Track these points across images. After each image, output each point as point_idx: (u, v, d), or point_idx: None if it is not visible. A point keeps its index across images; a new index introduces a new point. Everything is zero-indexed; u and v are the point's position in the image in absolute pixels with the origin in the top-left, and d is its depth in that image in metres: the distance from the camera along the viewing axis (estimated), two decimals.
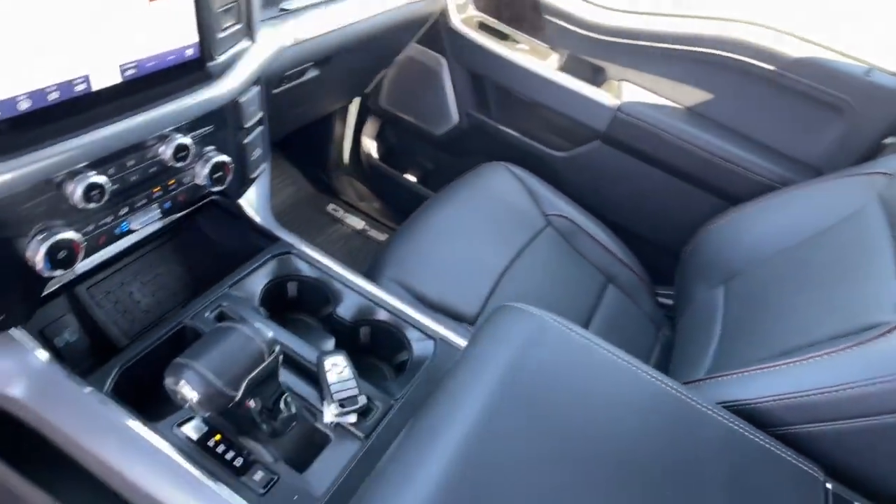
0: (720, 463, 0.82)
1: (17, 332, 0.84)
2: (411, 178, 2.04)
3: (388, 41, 1.60)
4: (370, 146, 2.05)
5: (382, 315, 1.05)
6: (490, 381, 0.81)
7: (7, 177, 0.72)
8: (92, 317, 1.01)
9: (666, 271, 1.65)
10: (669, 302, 1.64)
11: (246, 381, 0.76)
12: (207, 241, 1.16)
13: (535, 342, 0.87)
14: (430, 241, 1.34)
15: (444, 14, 1.67)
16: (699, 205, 1.62)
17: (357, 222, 2.04)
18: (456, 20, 1.68)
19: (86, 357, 1.00)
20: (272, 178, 2.00)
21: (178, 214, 1.07)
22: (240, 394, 0.76)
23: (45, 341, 0.95)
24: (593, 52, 1.67)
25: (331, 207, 2.08)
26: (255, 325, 0.80)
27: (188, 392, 0.73)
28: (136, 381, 0.87)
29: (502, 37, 1.74)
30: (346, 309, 1.06)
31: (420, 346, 1.03)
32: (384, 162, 2.04)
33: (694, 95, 1.60)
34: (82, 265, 0.95)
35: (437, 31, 1.71)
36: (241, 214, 1.14)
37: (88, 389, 0.82)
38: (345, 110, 1.97)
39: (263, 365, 0.79)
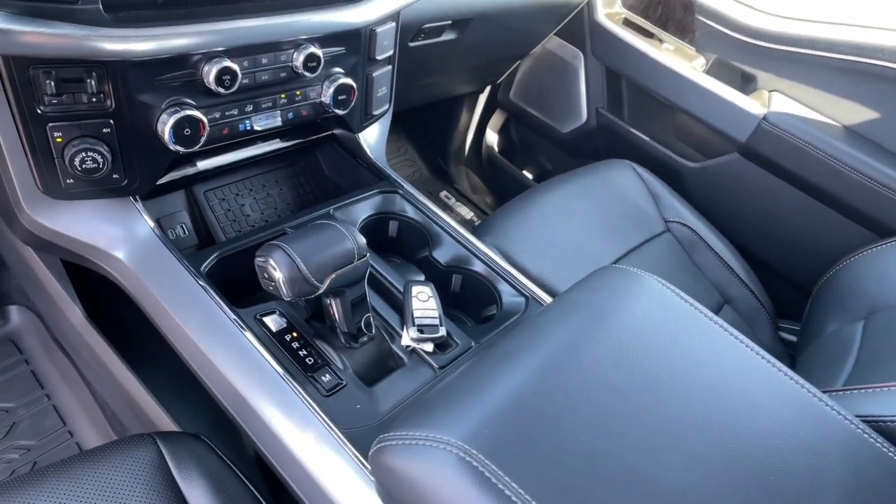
0: (846, 476, 0.68)
1: (136, 203, 0.88)
2: (528, 175, 1.99)
3: (529, 23, 1.59)
4: (492, 139, 2.04)
5: (477, 266, 1.00)
6: (579, 318, 0.73)
7: (154, 43, 0.76)
8: (203, 216, 1.05)
9: (790, 304, 1.47)
10: (791, 338, 1.46)
11: (331, 276, 0.75)
12: (321, 172, 1.19)
13: (635, 294, 0.79)
14: (538, 218, 1.29)
15: (589, 6, 1.64)
16: (842, 233, 1.43)
17: (466, 212, 2.03)
18: (601, 14, 1.64)
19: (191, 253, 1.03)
20: (392, 155, 2.06)
21: (300, 140, 1.10)
22: (323, 287, 0.75)
23: (160, 229, 1.00)
24: (745, 58, 1.56)
25: (444, 194, 2.08)
26: (352, 228, 0.79)
27: (274, 272, 0.72)
28: (230, 271, 0.89)
29: (647, 35, 1.68)
30: (441, 254, 1.02)
31: (511, 302, 0.97)
32: (504, 156, 2.02)
33: (855, 113, 1.43)
34: (204, 164, 1.00)
35: (578, 25, 1.68)
36: (357, 150, 1.15)
37: (185, 265, 0.84)
38: (473, 100, 1.98)
39: (351, 265, 0.77)
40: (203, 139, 0.85)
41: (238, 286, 0.88)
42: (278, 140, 1.09)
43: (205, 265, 0.85)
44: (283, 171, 1.16)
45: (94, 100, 0.76)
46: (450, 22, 1.29)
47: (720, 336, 0.77)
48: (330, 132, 1.16)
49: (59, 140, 0.76)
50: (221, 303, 0.81)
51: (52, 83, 0.72)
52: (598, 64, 1.70)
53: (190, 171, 0.98)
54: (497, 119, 2.02)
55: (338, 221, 0.80)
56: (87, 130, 0.78)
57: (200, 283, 0.82)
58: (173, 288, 0.83)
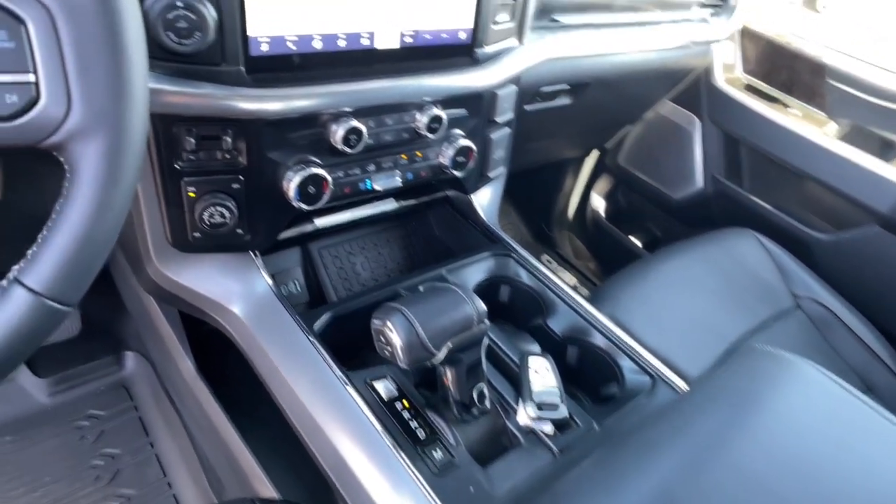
0: None
1: (256, 259, 0.89)
2: (636, 241, 1.90)
3: (644, 88, 1.55)
4: (598, 204, 1.98)
5: (597, 338, 0.93)
6: (728, 407, 0.64)
7: (289, 103, 0.78)
8: (317, 274, 1.04)
9: None
10: None
11: (449, 343, 0.70)
12: (432, 233, 1.17)
13: (790, 381, 0.68)
14: (656, 287, 1.20)
15: (707, 71, 1.58)
16: None
17: (569, 278, 1.95)
18: (720, 79, 1.58)
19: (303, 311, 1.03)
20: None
21: (414, 201, 1.09)
22: (441, 354, 0.70)
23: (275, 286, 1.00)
24: (884, 123, 1.43)
25: (545, 258, 2.02)
26: (472, 293, 0.75)
27: (392, 335, 0.69)
28: (341, 331, 0.86)
29: (770, 101, 1.59)
30: (556, 323, 0.96)
31: (634, 380, 0.88)
32: (610, 221, 1.94)
33: None
34: (321, 221, 1.00)
35: (694, 89, 1.61)
36: (469, 212, 1.13)
37: (299, 323, 0.82)
38: (578, 164, 1.94)
39: (470, 332, 0.72)
40: (326, 197, 0.85)
41: (349, 347, 0.85)
42: (393, 200, 1.08)
43: (318, 324, 0.84)
44: (395, 231, 1.16)
45: (227, 156, 0.78)
46: (567, 86, 1.27)
47: None
48: (443, 193, 1.14)
49: (192, 195, 0.78)
50: (332, 364, 0.78)
51: (193, 140, 0.75)
52: (715, 129, 1.62)
53: (308, 228, 0.99)
54: (603, 184, 1.96)
55: (458, 285, 0.76)
56: (218, 186, 0.79)
57: (312, 341, 0.80)
58: (285, 345, 0.81)
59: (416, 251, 1.16)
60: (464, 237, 1.14)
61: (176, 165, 0.76)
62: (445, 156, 0.97)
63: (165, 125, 0.74)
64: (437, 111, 0.91)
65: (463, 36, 0.94)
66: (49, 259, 0.43)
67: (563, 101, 1.32)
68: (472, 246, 1.11)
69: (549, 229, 2.05)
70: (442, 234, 1.18)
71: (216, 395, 1.03)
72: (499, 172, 1.12)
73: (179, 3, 0.67)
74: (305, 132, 0.82)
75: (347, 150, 0.84)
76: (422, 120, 0.91)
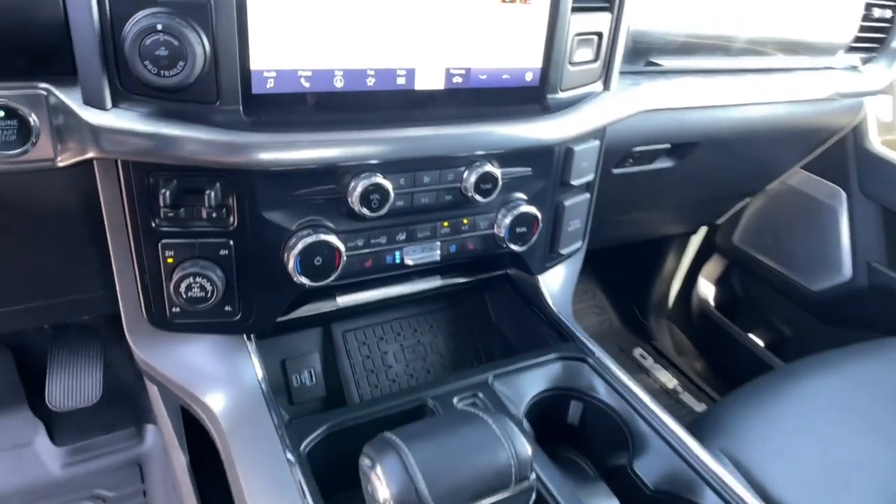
0: None
1: (248, 343, 0.71)
2: (757, 340, 1.57)
3: (770, 152, 1.27)
4: (707, 290, 1.67)
5: (709, 499, 0.65)
6: None
7: (294, 153, 0.61)
8: (337, 365, 0.85)
9: None
10: None
11: None
12: (488, 320, 0.95)
13: None
14: (795, 417, 0.89)
15: (858, 131, 1.27)
16: None
17: (668, 379, 1.63)
18: (875, 141, 1.27)
19: (313, 409, 0.84)
20: (577, 298, 1.77)
21: (464, 279, 0.89)
22: None
23: (283, 374, 0.82)
24: None
25: (638, 353, 1.72)
26: (512, 428, 0.52)
27: (379, 486, 0.47)
28: (338, 452, 0.65)
29: None
30: (648, 467, 0.69)
31: None
32: (722, 312, 1.62)
33: None
34: (345, 300, 0.82)
35: (839, 154, 1.31)
36: (535, 297, 0.90)
37: (282, 438, 0.62)
38: (683, 241, 1.66)
39: (504, 495, 0.49)
40: (337, 272, 0.67)
41: (347, 468, 0.64)
42: (438, 277, 0.88)
43: (308, 441, 0.63)
44: (441, 315, 0.95)
45: (214, 215, 0.62)
46: (668, 146, 1.03)
47: None
48: (503, 271, 0.93)
49: (169, 261, 0.62)
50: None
51: (171, 193, 0.59)
52: (869, 204, 1.29)
53: (327, 307, 0.81)
54: (714, 266, 1.66)
55: (493, 414, 0.53)
56: (202, 251, 0.63)
57: (292, 465, 0.60)
58: (257, 466, 0.61)
59: (465, 341, 0.94)
60: (527, 328, 0.91)
61: (152, 223, 0.61)
62: (501, 225, 0.77)
63: (140, 174, 0.59)
64: (490, 168, 0.71)
65: (529, 77, 0.75)
66: None
67: (664, 163, 1.08)
68: (538, 340, 0.88)
69: (644, 317, 1.75)
70: (500, 322, 0.95)
71: (202, 498, 0.84)
72: (574, 249, 0.89)
73: (159, 27, 0.53)
74: (316, 188, 0.65)
75: (367, 213, 0.65)
76: (470, 179, 0.71)
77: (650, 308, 1.74)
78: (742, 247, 1.53)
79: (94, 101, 0.55)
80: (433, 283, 0.87)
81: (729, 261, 1.62)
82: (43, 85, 0.54)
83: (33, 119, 0.55)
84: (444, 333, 0.93)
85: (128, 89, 0.56)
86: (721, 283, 1.65)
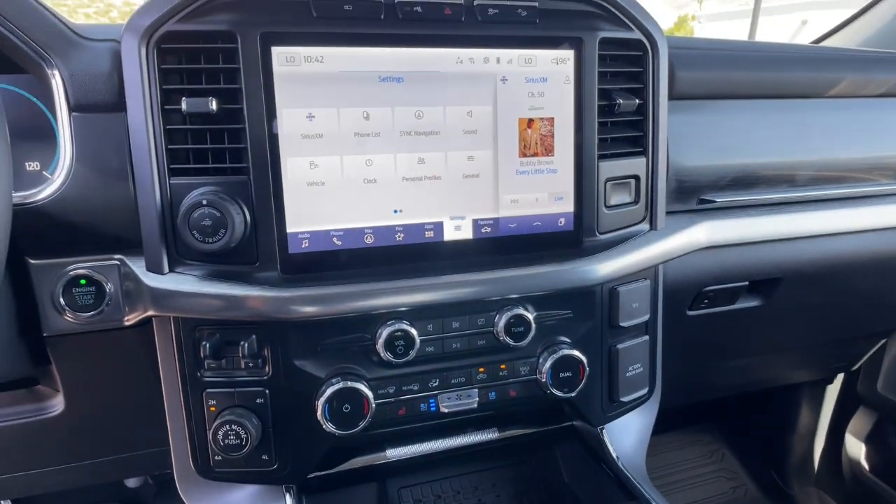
0: None
1: (286, 495, 0.71)
2: None
3: (889, 283, 1.12)
4: (857, 449, 1.41)
5: None
6: None
7: (326, 305, 0.66)
8: None
9: None
10: None
11: None
12: (558, 477, 0.87)
13: None
14: None
15: None
16: None
17: None
18: None
19: None
20: (702, 462, 1.57)
21: (523, 431, 0.85)
22: None
23: None
24: None
25: None
26: None
27: None
28: None
29: None
30: None
31: None
32: (879, 476, 1.35)
33: None
34: (395, 452, 0.81)
35: None
36: (601, 452, 0.83)
37: None
38: (817, 391, 1.45)
39: None
40: (367, 420, 0.67)
41: None
42: (496, 429, 0.85)
43: None
44: (506, 472, 0.89)
45: (250, 364, 0.67)
46: (746, 284, 0.96)
47: None
48: (568, 423, 0.87)
49: (212, 409, 0.68)
50: None
51: (213, 346, 0.66)
52: None
53: (378, 459, 0.80)
54: (861, 420, 1.41)
55: None
56: (241, 400, 0.68)
57: None
58: None
59: (532, 501, 0.86)
60: (597, 487, 0.83)
61: (198, 374, 0.67)
62: (542, 370, 0.74)
63: (189, 330, 0.67)
64: (521, 312, 0.71)
65: (562, 222, 0.77)
66: None
67: (748, 303, 0.99)
68: (607, 497, 0.79)
69: (784, 482, 1.49)
70: (572, 479, 0.87)
71: None
72: (638, 396, 0.83)
73: (204, 202, 0.63)
74: (344, 337, 0.69)
75: (393, 359, 0.67)
76: (500, 323, 0.71)
77: (791, 471, 1.49)
78: (889, 396, 1.30)
79: (154, 268, 0.65)
80: (490, 435, 0.84)
81: (879, 413, 1.38)
82: (117, 256, 0.66)
83: (108, 285, 0.66)
84: (508, 492, 0.87)
85: (182, 256, 0.65)
86: (873, 439, 1.39)
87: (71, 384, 0.74)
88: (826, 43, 1.40)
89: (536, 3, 0.71)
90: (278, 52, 0.64)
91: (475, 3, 0.70)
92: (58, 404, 0.76)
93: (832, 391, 1.45)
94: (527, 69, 0.73)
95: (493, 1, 0.70)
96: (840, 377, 1.42)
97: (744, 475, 1.58)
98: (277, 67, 0.64)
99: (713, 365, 1.16)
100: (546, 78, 0.73)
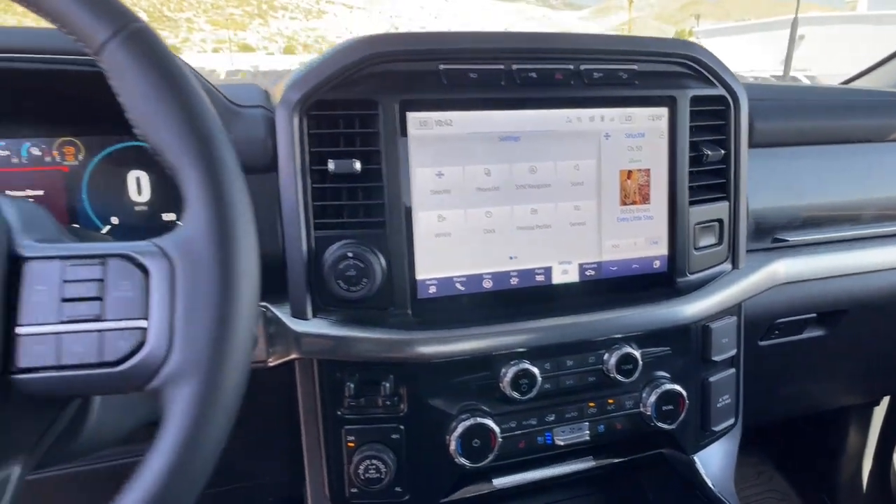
0: None
1: None
2: None
3: None
4: None
5: None
6: None
7: (454, 346, 0.72)
8: None
9: None
10: None
11: None
12: (644, 501, 0.92)
13: None
14: None
15: None
16: None
17: None
18: None
19: None
20: (749, 483, 1.61)
21: (616, 460, 0.90)
22: None
23: None
24: None
25: None
26: None
27: None
28: None
29: None
30: None
31: None
32: None
33: None
34: (501, 481, 0.86)
35: None
36: (693, 478, 0.88)
37: None
38: (864, 414, 1.49)
39: None
40: (494, 453, 0.73)
41: None
42: (591, 458, 0.90)
43: None
44: (596, 499, 0.94)
45: (388, 403, 0.73)
46: (814, 315, 1.02)
47: None
48: (657, 450, 0.92)
49: (350, 445, 0.73)
50: None
51: (354, 386, 0.72)
52: None
53: (485, 489, 0.85)
54: None
55: None
56: (377, 436, 0.73)
57: None
58: None
59: None
60: None
61: (338, 412, 0.73)
62: (647, 404, 0.80)
63: (330, 371, 0.73)
64: (629, 350, 0.77)
65: (657, 265, 0.83)
66: None
67: (814, 332, 1.05)
68: None
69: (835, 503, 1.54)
70: None
71: None
72: (727, 425, 0.88)
73: (350, 254, 0.69)
74: (472, 376, 0.75)
75: (518, 396, 0.73)
76: (611, 361, 0.77)
77: (840, 492, 1.53)
78: None
79: (299, 314, 0.70)
80: (586, 464, 0.89)
81: None
82: (262, 303, 0.72)
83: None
84: None
85: (324, 302, 0.71)
86: None
87: None
88: (856, 84, 1.48)
89: (636, 66, 0.78)
90: (413, 117, 0.71)
91: (582, 67, 0.76)
92: None
93: (878, 413, 1.50)
94: (627, 126, 0.79)
95: (597, 66, 0.77)
96: (885, 400, 1.47)
97: (794, 495, 1.62)
98: (412, 131, 0.71)
99: (775, 390, 1.21)
100: (644, 133, 0.80)
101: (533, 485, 0.88)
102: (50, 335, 0.40)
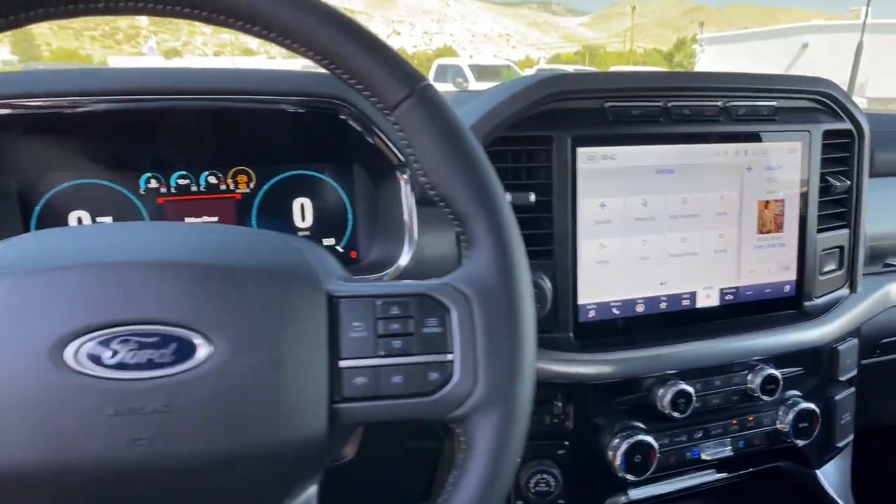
0: None
1: None
2: None
3: None
4: None
5: None
6: None
7: (615, 367, 0.77)
8: None
9: None
10: None
11: None
12: None
13: None
14: None
15: None
16: None
17: None
18: None
19: None
20: None
21: (738, 473, 0.95)
22: None
23: None
24: None
25: None
26: None
27: None
28: None
29: None
30: None
31: None
32: None
33: None
34: (637, 493, 0.91)
35: None
36: (815, 492, 0.92)
37: None
38: None
39: None
40: (653, 467, 0.77)
41: None
42: (713, 471, 0.94)
43: None
44: None
45: (555, 420, 0.77)
46: None
47: None
48: (773, 464, 0.97)
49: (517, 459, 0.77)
50: None
51: None
52: None
53: (621, 500, 0.90)
54: None
55: None
56: (543, 452, 0.78)
57: None
58: None
59: None
60: None
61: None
62: (784, 421, 0.85)
63: None
64: (771, 371, 0.82)
65: (787, 289, 0.88)
66: None
67: None
68: None
69: None
70: None
71: None
72: (847, 441, 0.93)
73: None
74: (629, 396, 0.79)
75: (676, 414, 0.77)
76: (755, 381, 0.82)
77: None
78: None
79: None
80: (709, 477, 0.94)
81: None
82: None
83: None
84: None
85: None
86: None
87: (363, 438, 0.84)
88: None
89: (775, 103, 0.83)
90: (582, 152, 0.75)
91: (729, 104, 0.81)
92: (348, 453, 0.85)
93: None
94: (765, 159, 0.84)
95: (742, 102, 0.82)
96: None
97: None
98: (581, 165, 0.76)
99: (864, 405, 1.26)
100: (781, 166, 0.85)
101: (661, 497, 0.93)
102: (369, 368, 0.45)
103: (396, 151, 0.71)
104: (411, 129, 0.46)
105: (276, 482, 0.44)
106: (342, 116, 0.70)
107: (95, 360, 0.38)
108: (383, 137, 0.70)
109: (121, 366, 0.38)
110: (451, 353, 0.45)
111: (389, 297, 0.46)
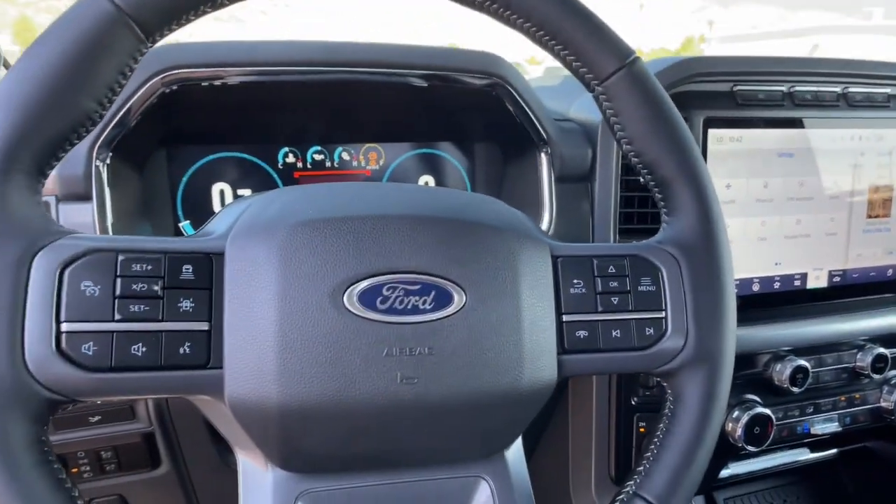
0: None
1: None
2: None
3: None
4: None
5: None
6: None
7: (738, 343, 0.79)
8: None
9: None
10: None
11: None
12: (845, 498, 1.00)
13: None
14: None
15: None
16: None
17: None
18: None
19: None
20: None
21: (832, 451, 0.97)
22: None
23: None
24: None
25: None
26: None
27: None
28: None
29: None
30: None
31: None
32: None
33: None
34: (727, 472, 0.94)
35: None
36: None
37: None
38: None
39: None
40: (770, 440, 0.80)
41: None
42: (807, 449, 0.97)
43: None
44: (799, 489, 1.02)
45: None
46: None
47: None
48: (861, 444, 1.00)
49: (642, 430, 0.80)
50: None
51: (645, 380, 0.79)
52: None
53: (722, 474, 0.93)
54: None
55: None
56: None
57: None
58: None
59: None
60: None
61: (632, 401, 0.80)
62: (889, 400, 0.87)
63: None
64: (881, 350, 0.85)
65: (890, 273, 0.90)
66: (663, 474, 0.46)
67: None
68: None
69: None
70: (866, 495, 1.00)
71: None
72: None
73: None
74: (745, 371, 0.82)
75: (794, 389, 0.80)
76: (865, 360, 0.84)
77: None
78: None
79: None
80: (803, 455, 0.97)
81: None
82: None
83: None
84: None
85: None
86: None
87: None
88: None
89: (889, 90, 0.86)
90: (712, 134, 0.78)
91: (847, 90, 0.84)
92: None
93: None
94: (877, 145, 0.87)
95: (859, 89, 0.84)
96: None
97: None
98: (711, 146, 0.78)
99: None
100: (891, 152, 0.87)
101: (753, 473, 0.96)
102: (589, 322, 0.47)
103: (541, 130, 0.74)
104: (621, 99, 0.48)
105: (510, 422, 0.47)
106: (495, 94, 0.72)
107: (369, 304, 0.40)
108: (531, 116, 0.73)
109: (391, 310, 0.41)
110: (663, 311, 0.48)
111: (605, 257, 0.49)
